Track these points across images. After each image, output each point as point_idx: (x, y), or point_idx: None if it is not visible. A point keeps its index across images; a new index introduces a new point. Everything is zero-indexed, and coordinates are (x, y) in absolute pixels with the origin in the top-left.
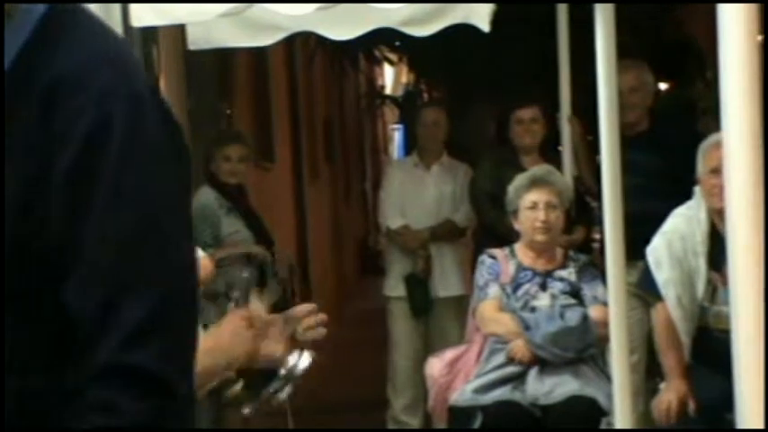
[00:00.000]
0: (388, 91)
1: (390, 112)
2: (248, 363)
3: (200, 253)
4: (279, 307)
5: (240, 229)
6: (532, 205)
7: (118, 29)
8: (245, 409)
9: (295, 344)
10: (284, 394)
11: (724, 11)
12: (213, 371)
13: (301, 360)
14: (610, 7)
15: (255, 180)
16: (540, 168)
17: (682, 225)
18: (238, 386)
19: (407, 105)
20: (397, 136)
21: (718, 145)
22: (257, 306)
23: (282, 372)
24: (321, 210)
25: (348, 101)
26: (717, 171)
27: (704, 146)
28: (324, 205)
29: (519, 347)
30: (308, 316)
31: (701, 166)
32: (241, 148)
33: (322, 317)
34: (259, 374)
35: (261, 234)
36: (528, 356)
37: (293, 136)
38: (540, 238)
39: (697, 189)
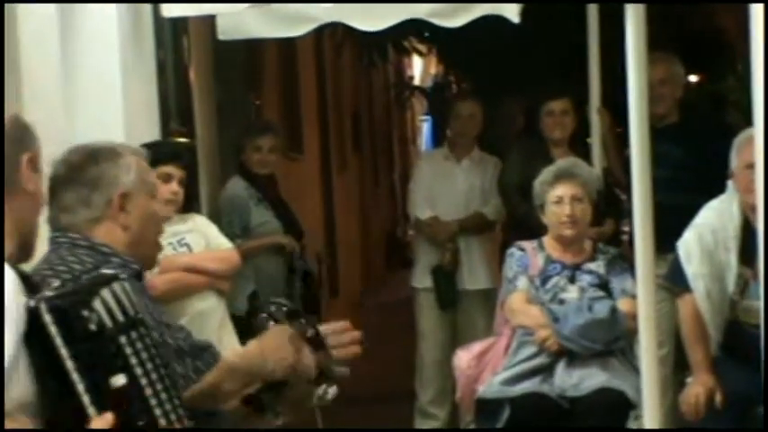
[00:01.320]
0: (416, 82)
1: (419, 104)
2: (286, 375)
3: (226, 244)
4: (306, 298)
5: (269, 220)
6: (558, 200)
7: (148, 20)
8: (278, 420)
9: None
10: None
11: (756, 6)
12: (257, 372)
13: (329, 392)
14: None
15: (284, 171)
16: (565, 161)
17: (713, 218)
18: (271, 396)
19: (436, 97)
20: (425, 127)
21: (753, 139)
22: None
23: (314, 401)
24: (349, 201)
25: (376, 92)
26: (752, 166)
27: (739, 140)
28: (352, 196)
29: (547, 337)
30: (341, 332)
31: (736, 161)
32: (271, 139)
33: (355, 334)
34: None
35: (290, 225)
36: (556, 347)
37: (321, 127)
38: (566, 232)
39: (730, 183)
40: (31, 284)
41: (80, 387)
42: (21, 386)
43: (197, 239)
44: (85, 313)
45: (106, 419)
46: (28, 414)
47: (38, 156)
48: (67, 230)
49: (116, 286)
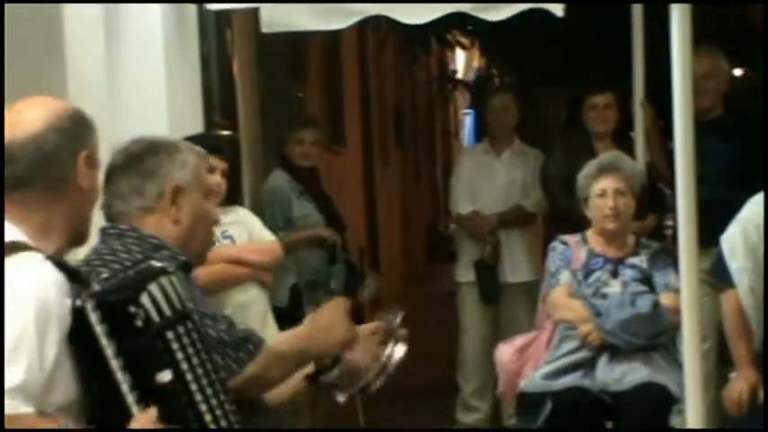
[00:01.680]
0: (459, 76)
1: (461, 97)
2: (343, 351)
3: (269, 236)
4: (348, 291)
5: (311, 213)
6: (601, 193)
7: (192, 13)
8: (340, 397)
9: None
10: (378, 384)
11: None
12: (309, 354)
13: (396, 350)
14: None
15: (326, 164)
16: (608, 155)
17: (758, 213)
18: (335, 372)
19: (479, 90)
20: (467, 121)
21: None
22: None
23: (379, 363)
24: (391, 194)
25: (419, 85)
26: None
27: None
28: (394, 190)
29: (589, 331)
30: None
31: None
32: (314, 132)
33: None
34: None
35: (332, 217)
36: (598, 342)
37: (364, 120)
38: (609, 225)
39: None
40: (79, 278)
41: (124, 387)
42: (64, 387)
43: (240, 231)
44: (132, 310)
45: (150, 416)
46: (71, 415)
47: (95, 152)
48: (119, 219)
49: (164, 280)
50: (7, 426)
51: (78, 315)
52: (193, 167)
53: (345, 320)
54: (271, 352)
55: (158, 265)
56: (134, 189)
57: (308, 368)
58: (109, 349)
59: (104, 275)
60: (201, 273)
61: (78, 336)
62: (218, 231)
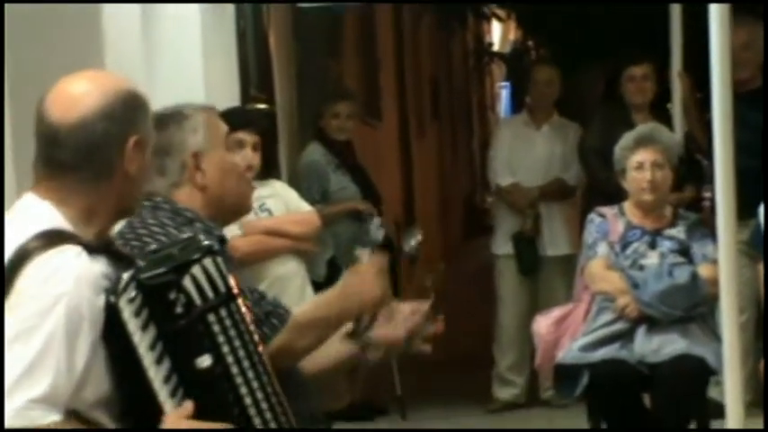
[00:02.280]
0: (495, 48)
1: (498, 70)
2: (378, 308)
3: (307, 208)
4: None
5: (348, 186)
6: (639, 165)
7: None
8: (373, 354)
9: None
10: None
11: None
12: (345, 315)
13: (413, 238)
14: None
15: (362, 137)
16: (645, 127)
17: None
18: (372, 329)
19: (515, 63)
20: (503, 94)
21: None
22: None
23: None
24: (427, 167)
25: (455, 58)
26: None
27: None
28: (430, 162)
29: (627, 303)
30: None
31: None
32: (350, 105)
33: (440, 321)
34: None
35: (368, 190)
36: (636, 313)
37: (400, 94)
38: (647, 197)
39: None
40: (121, 258)
41: (156, 384)
42: (96, 384)
43: (277, 204)
44: (172, 296)
45: (182, 413)
46: (104, 410)
47: (146, 135)
48: (150, 195)
49: (207, 261)
50: None
51: (111, 311)
52: (205, 127)
53: (378, 279)
54: (297, 322)
55: (205, 242)
56: (155, 169)
57: (348, 326)
58: (142, 345)
59: (151, 248)
60: (241, 243)
61: (111, 332)
62: (255, 204)
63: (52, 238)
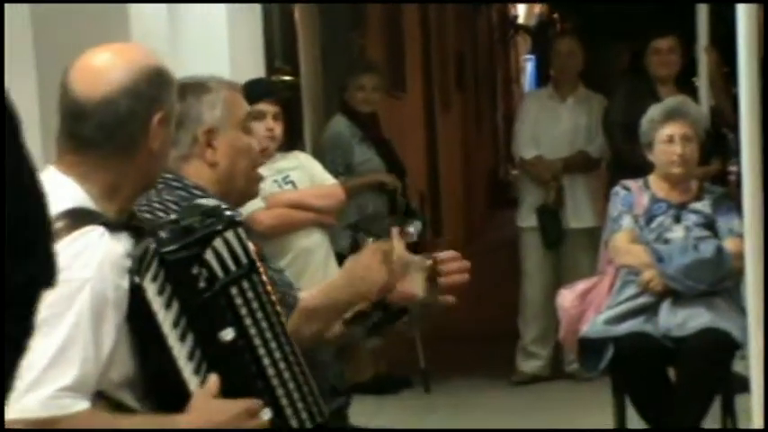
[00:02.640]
0: (520, 21)
1: (523, 43)
2: (382, 296)
3: (331, 180)
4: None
5: (372, 158)
6: (668, 138)
7: None
8: (369, 343)
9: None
10: (410, 325)
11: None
12: (347, 302)
13: (413, 226)
14: None
15: (387, 109)
16: (674, 99)
17: None
18: (374, 318)
19: (540, 36)
20: (528, 66)
21: None
22: (398, 245)
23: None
24: (452, 139)
25: (480, 31)
26: None
27: None
28: (454, 135)
29: (652, 276)
30: (450, 261)
31: None
32: (375, 78)
33: (465, 264)
34: (391, 310)
35: (392, 163)
36: (660, 287)
37: (425, 65)
38: (676, 171)
39: None
40: (144, 233)
41: (181, 362)
42: (121, 365)
43: (301, 176)
44: (195, 270)
45: (211, 388)
46: (130, 389)
47: (171, 110)
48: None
49: (229, 234)
50: (63, 426)
51: (136, 292)
52: (224, 104)
53: (382, 265)
54: (305, 307)
55: (227, 213)
56: None
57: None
58: (166, 323)
59: (172, 217)
60: (265, 216)
61: (135, 312)
62: (279, 176)
63: (75, 219)
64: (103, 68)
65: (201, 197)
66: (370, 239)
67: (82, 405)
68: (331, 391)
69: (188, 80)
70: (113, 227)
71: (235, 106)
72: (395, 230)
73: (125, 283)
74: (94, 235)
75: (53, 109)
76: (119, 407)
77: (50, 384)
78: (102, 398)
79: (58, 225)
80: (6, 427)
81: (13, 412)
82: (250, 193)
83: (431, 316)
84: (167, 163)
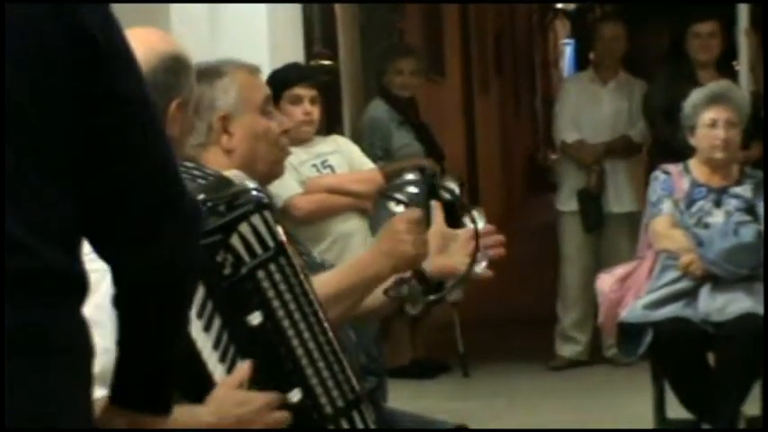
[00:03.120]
0: (559, 5)
1: (561, 27)
2: (414, 266)
3: (369, 164)
4: (449, 221)
5: (411, 143)
6: (711, 123)
7: None
8: (411, 309)
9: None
10: (454, 296)
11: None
12: (380, 275)
13: (478, 266)
14: None
15: (425, 93)
16: (718, 84)
17: None
18: (408, 287)
19: (579, 20)
20: (567, 51)
21: None
22: (438, 219)
23: (457, 275)
24: (490, 124)
25: (519, 14)
26: None
27: None
28: (493, 119)
29: (691, 261)
30: (486, 235)
31: None
32: (413, 62)
33: (500, 237)
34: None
35: (431, 147)
36: (700, 272)
37: (463, 49)
38: (719, 155)
39: None
40: None
41: (205, 353)
42: None
43: (340, 161)
44: (219, 258)
45: (236, 379)
46: None
47: (189, 95)
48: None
49: (255, 217)
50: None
51: None
52: (239, 88)
53: (410, 236)
54: (321, 296)
55: (253, 194)
56: None
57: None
58: (191, 312)
59: (200, 197)
60: (303, 201)
61: None
62: (318, 161)
63: None
64: None
65: (196, 173)
66: (399, 207)
67: (100, 392)
68: (363, 371)
69: (202, 65)
70: None
71: (251, 89)
72: (435, 204)
73: None
74: None
75: None
76: None
77: None
78: None
79: None
80: None
81: None
82: (273, 175)
83: (468, 291)
84: (185, 147)
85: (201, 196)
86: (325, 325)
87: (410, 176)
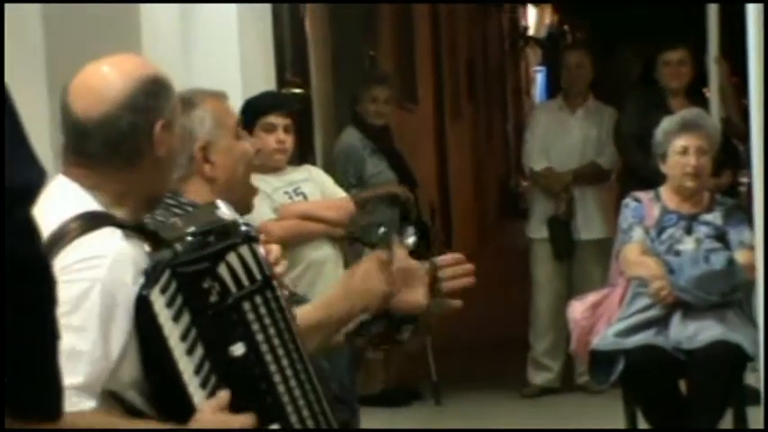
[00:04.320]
0: (531, 32)
1: (533, 54)
2: (384, 305)
3: (342, 194)
4: (420, 248)
5: (383, 170)
6: (683, 150)
7: None
8: (370, 354)
9: (436, 292)
10: (408, 335)
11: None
12: (347, 315)
13: (435, 304)
14: None
15: (398, 121)
16: (690, 112)
17: None
18: (376, 328)
19: (550, 47)
20: (539, 78)
21: None
22: (399, 253)
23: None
24: (463, 150)
25: (491, 42)
26: None
27: None
28: (465, 146)
29: (662, 288)
30: (454, 265)
31: None
32: (387, 90)
33: (469, 267)
34: (394, 319)
35: (404, 175)
36: (671, 299)
37: (436, 77)
38: (689, 183)
39: None
40: (160, 241)
41: (186, 376)
42: (130, 367)
43: (312, 189)
44: (206, 285)
45: (219, 402)
46: (137, 391)
47: (173, 116)
48: None
49: (243, 248)
50: (67, 423)
51: (142, 303)
52: (212, 116)
53: (382, 275)
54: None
55: (242, 228)
56: None
57: (350, 326)
58: (173, 337)
59: (189, 230)
60: (275, 227)
61: (142, 322)
62: (290, 188)
63: (89, 221)
64: (100, 86)
65: (173, 204)
66: (367, 250)
67: (88, 404)
68: (336, 400)
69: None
70: (127, 229)
71: (224, 116)
72: (395, 238)
73: (136, 288)
74: (108, 236)
75: None
76: (129, 408)
77: None
78: (112, 398)
79: (72, 227)
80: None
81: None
82: (248, 204)
83: (435, 324)
84: (172, 170)
85: (191, 228)
86: (305, 358)
87: (380, 212)
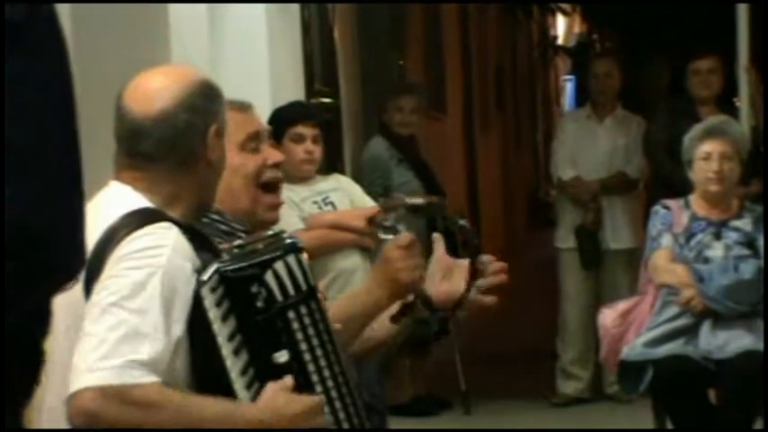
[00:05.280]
0: (560, 41)
1: (562, 63)
2: (412, 290)
3: (371, 203)
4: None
5: (410, 180)
6: (706, 156)
7: None
8: (398, 356)
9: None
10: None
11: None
12: (378, 304)
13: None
14: None
15: (426, 130)
16: (715, 118)
17: None
18: (420, 312)
19: (580, 56)
20: (568, 87)
21: None
22: (438, 249)
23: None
24: (491, 160)
25: (520, 51)
26: None
27: None
28: (494, 156)
29: (692, 296)
30: (490, 263)
31: None
32: (414, 99)
33: (503, 264)
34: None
35: (431, 185)
36: (701, 308)
37: (465, 86)
38: (712, 188)
39: None
40: (211, 248)
41: (233, 374)
42: (185, 354)
43: (341, 198)
44: (254, 289)
45: (282, 384)
46: (185, 386)
47: (224, 123)
48: None
49: (290, 258)
50: (135, 396)
51: (195, 298)
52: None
53: (405, 260)
54: None
55: (288, 240)
56: None
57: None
58: (222, 335)
59: (237, 242)
60: (305, 237)
61: (195, 318)
62: (319, 198)
63: (144, 217)
64: (158, 86)
65: (217, 222)
66: (389, 235)
67: (153, 379)
68: (366, 409)
69: None
70: (181, 226)
71: (233, 127)
72: (435, 236)
73: (193, 280)
74: (164, 228)
75: (94, 111)
76: None
77: (122, 357)
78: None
79: (125, 223)
80: (75, 396)
81: (84, 381)
82: (261, 215)
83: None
84: (221, 176)
85: (240, 242)
86: (346, 370)
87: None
